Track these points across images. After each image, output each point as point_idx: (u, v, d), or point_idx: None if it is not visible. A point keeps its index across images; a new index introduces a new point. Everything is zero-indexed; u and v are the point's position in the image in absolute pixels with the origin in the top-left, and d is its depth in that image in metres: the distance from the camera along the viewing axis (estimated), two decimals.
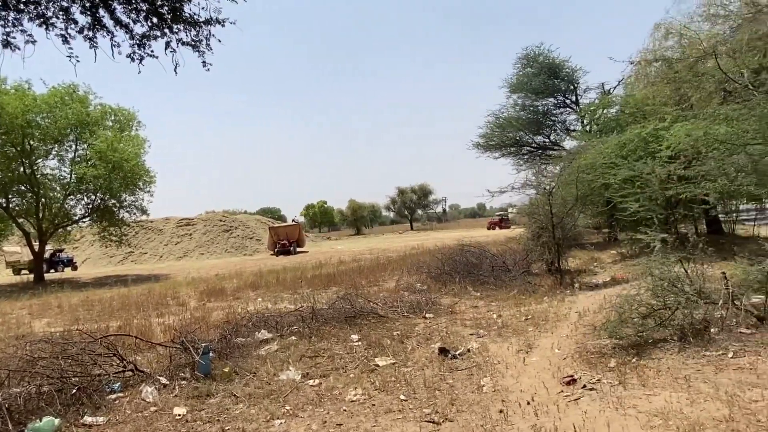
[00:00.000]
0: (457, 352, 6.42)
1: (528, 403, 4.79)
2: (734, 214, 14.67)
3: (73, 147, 24.18)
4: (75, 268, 34.26)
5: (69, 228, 26.11)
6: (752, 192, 8.77)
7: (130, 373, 5.92)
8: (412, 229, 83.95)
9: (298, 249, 37.83)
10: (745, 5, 11.35)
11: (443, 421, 4.57)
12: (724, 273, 6.24)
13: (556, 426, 4.31)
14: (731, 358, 5.03)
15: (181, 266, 30.26)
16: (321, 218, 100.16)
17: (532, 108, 24.38)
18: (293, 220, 46.75)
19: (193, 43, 4.99)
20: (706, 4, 12.33)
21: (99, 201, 24.66)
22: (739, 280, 6.02)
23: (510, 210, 61.80)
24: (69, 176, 24.08)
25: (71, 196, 24.33)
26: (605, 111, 19.05)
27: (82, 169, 23.21)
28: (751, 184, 7.55)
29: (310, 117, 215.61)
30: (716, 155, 7.77)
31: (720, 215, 14.53)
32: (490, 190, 16.05)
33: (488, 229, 56.59)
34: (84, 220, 25.41)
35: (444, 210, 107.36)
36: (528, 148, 25.20)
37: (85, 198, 24.71)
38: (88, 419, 4.96)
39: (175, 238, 43.07)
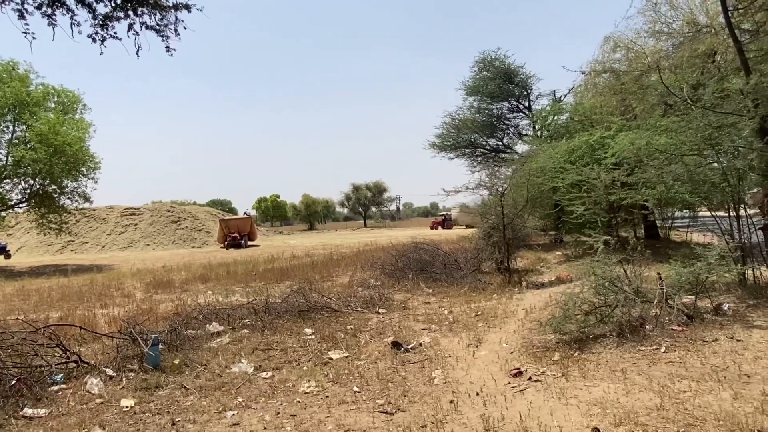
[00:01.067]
0: (409, 346, 6.56)
1: (477, 394, 4.97)
2: (670, 221, 15.59)
3: (11, 128, 22.79)
4: (8, 257, 32.34)
5: (3, 214, 24.58)
6: (687, 200, 9.38)
7: (74, 364, 5.70)
8: (365, 226, 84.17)
9: (250, 243, 37.17)
10: (687, 24, 12.10)
11: (396, 412, 4.68)
12: (659, 274, 6.67)
13: (503, 415, 4.51)
14: (664, 352, 5.40)
15: (125, 257, 29.12)
16: (273, 212, 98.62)
17: (487, 111, 24.97)
18: (245, 213, 45.86)
19: (157, 27, 4.84)
20: (652, 21, 13.05)
21: (38, 186, 23.36)
22: (672, 282, 6.45)
23: (453, 210, 64.55)
24: (5, 159, 22.69)
25: (7, 180, 22.92)
26: (556, 117, 19.78)
27: (20, 151, 21.90)
28: (686, 192, 8.09)
29: (265, 109, 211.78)
30: (656, 164, 8.27)
31: (657, 221, 15.42)
32: (445, 189, 16.31)
33: (431, 228, 58.36)
34: (20, 205, 24.01)
35: (398, 208, 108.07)
36: (482, 150, 25.80)
37: (23, 182, 23.35)
38: (28, 411, 4.75)
39: (119, 227, 41.37)
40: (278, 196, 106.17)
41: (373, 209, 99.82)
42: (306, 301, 8.74)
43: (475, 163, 25.94)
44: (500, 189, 12.28)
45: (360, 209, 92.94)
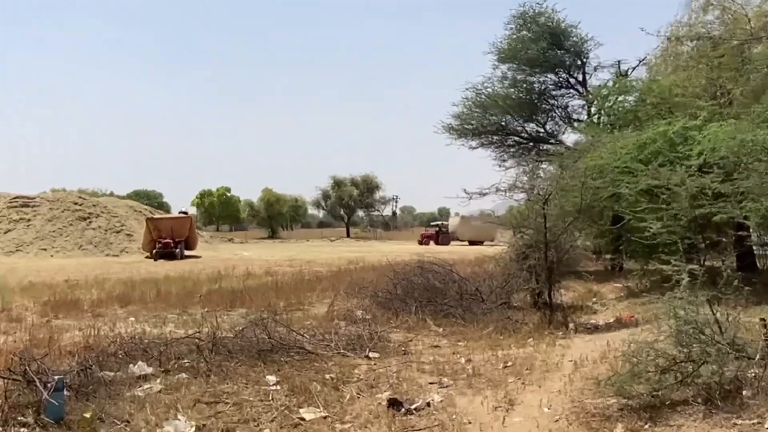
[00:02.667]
0: (412, 406, 6.53)
1: None
2: None
3: None
4: None
5: None
6: None
7: None
8: (348, 236, 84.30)
9: (187, 252, 37.06)
10: None
11: None
12: (763, 320, 6.69)
13: None
14: None
15: (12, 265, 28.91)
16: (221, 212, 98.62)
17: (525, 85, 25.11)
18: (181, 212, 45.70)
19: None
20: None
21: None
22: None
23: (452, 221, 66.20)
24: None
25: None
26: (621, 98, 19.92)
27: None
28: None
29: (214, 73, 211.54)
30: (763, 168, 8.33)
31: (754, 246, 15.50)
32: (468, 191, 16.31)
33: (420, 243, 60.63)
34: None
35: (394, 213, 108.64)
36: (516, 138, 25.94)
37: None
38: None
39: (6, 223, 41.02)
40: (228, 190, 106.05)
41: (360, 213, 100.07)
42: (268, 337, 8.70)
43: (506, 156, 26.08)
44: (543, 193, 12.33)
45: (342, 212, 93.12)
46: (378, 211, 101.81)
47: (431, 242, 60.32)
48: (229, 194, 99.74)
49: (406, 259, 17.40)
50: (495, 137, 26.10)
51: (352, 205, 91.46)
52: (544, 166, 20.98)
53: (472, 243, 60.29)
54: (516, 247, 13.13)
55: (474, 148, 26.63)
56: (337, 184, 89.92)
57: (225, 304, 13.76)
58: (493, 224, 65.59)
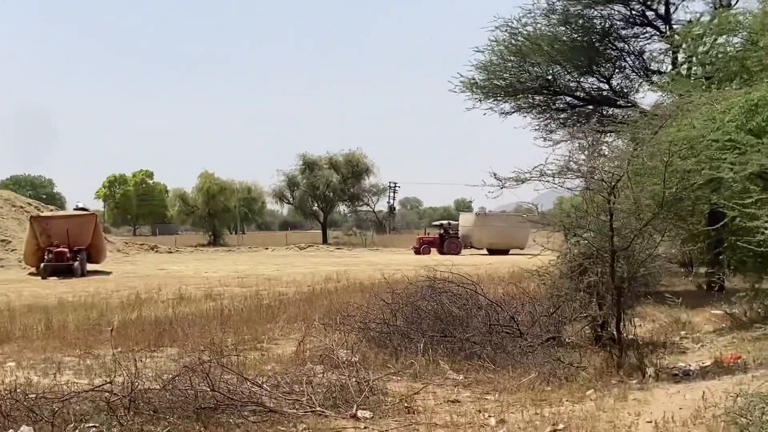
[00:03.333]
0: None
1: None
2: None
3: None
4: None
5: None
6: None
7: None
8: (326, 241, 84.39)
9: (91, 266, 36.99)
10: None
11: None
12: None
13: None
14: None
15: None
16: (140, 207, 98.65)
17: (582, 22, 25.05)
18: (79, 207, 45.21)
19: None
20: None
21: None
22: None
23: (464, 219, 66.38)
24: None
25: None
26: (721, 40, 19.90)
27: None
28: None
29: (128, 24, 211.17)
30: None
31: None
32: (499, 176, 16.08)
33: (417, 252, 61.52)
34: None
35: (392, 208, 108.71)
36: (568, 98, 25.94)
37: None
38: None
39: None
40: (149, 176, 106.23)
41: (343, 209, 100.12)
42: (211, 388, 8.71)
43: (553, 125, 26.06)
44: (609, 178, 12.32)
45: (316, 207, 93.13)
46: (368, 205, 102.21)
47: (432, 250, 60.84)
48: (151, 181, 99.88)
49: (410, 274, 17.35)
50: (538, 98, 26.09)
51: (330, 196, 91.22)
52: (609, 139, 20.98)
53: (492, 251, 61.09)
54: (569, 257, 13.10)
55: (507, 113, 26.64)
56: (309, 166, 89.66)
57: (147, 341, 13.74)
58: (523, 225, 65.99)
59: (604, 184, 12.30)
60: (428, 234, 68.08)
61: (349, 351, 12.11)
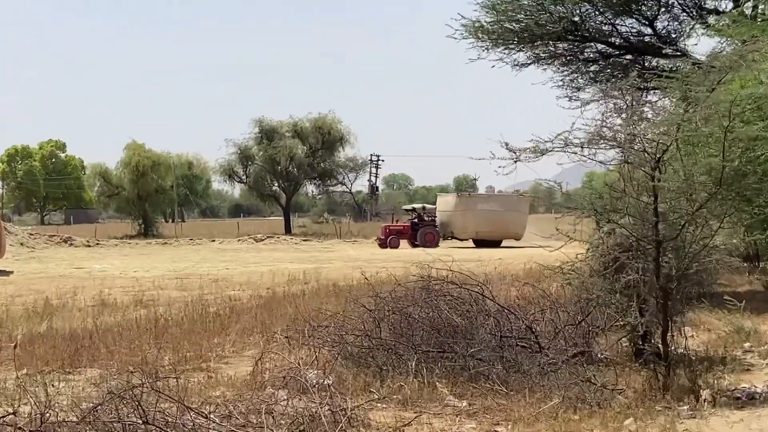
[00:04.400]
0: None
1: None
2: None
3: None
4: None
5: None
6: None
7: None
8: (290, 231, 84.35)
9: None
10: None
11: None
12: None
13: None
14: None
15: None
16: (47, 188, 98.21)
17: None
18: None
19: None
20: None
21: None
22: None
23: (443, 202, 66.55)
24: None
25: None
26: None
27: None
28: None
29: None
30: None
31: None
32: (513, 146, 16.07)
33: (381, 244, 62.49)
34: None
35: (374, 188, 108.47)
36: (600, 46, 25.96)
37: None
38: None
39: None
40: (61, 147, 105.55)
41: (311, 189, 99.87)
42: (144, 421, 8.70)
43: (581, 80, 26.08)
44: (653, 148, 12.36)
45: (276, 188, 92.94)
46: (344, 185, 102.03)
47: (398, 242, 61.64)
48: (63, 155, 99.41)
49: (398, 273, 17.37)
50: (562, 45, 26.12)
51: (294, 173, 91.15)
52: (652, 98, 21.03)
53: (480, 243, 62.10)
54: (601, 249, 13.15)
55: (522, 65, 26.66)
56: (266, 134, 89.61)
57: (61, 360, 13.67)
58: (519, 209, 66.85)
59: (646, 155, 12.33)
60: (397, 222, 68.11)
61: (320, 371, 12.07)
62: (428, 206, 68.01)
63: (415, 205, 69.47)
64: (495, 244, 59.91)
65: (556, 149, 13.89)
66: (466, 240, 63.50)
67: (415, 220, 63.85)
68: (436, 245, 58.70)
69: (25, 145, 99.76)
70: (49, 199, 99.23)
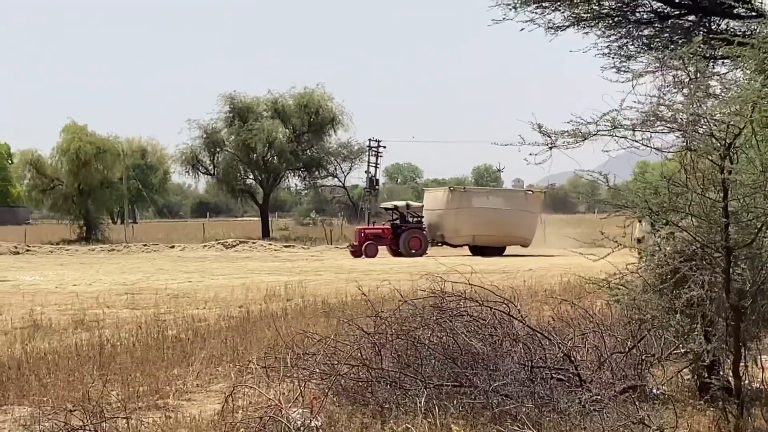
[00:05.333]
0: None
1: None
2: None
3: None
4: None
5: None
6: None
7: None
8: (269, 234, 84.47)
9: None
10: None
11: None
12: None
13: None
14: None
15: None
16: None
17: None
18: None
19: None
20: None
21: None
22: None
23: (432, 198, 66.14)
24: None
25: None
26: None
27: None
28: None
29: None
30: None
31: None
32: (547, 129, 16.06)
33: (354, 252, 62.46)
34: None
35: (373, 182, 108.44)
36: (656, 4, 26.02)
37: None
38: None
39: None
40: None
41: (295, 183, 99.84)
42: None
43: (631, 46, 26.10)
44: (722, 132, 12.37)
45: (251, 179, 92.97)
46: (335, 177, 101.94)
47: (375, 249, 61.75)
48: None
49: (404, 287, 17.36)
50: (607, 3, 26.18)
51: (274, 163, 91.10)
52: (721, 69, 21.02)
53: (477, 249, 62.29)
54: (657, 258, 13.14)
55: (558, 27, 26.68)
56: (239, 114, 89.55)
57: None
58: (527, 211, 66.24)
59: (714, 141, 12.34)
60: (374, 224, 67.88)
61: (306, 411, 12.08)
62: (413, 204, 67.40)
63: (397, 203, 68.67)
64: (497, 251, 60.01)
65: (601, 133, 13.89)
66: (460, 246, 63.54)
67: (396, 221, 63.68)
68: (422, 253, 59.27)
69: None
70: None
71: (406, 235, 61.53)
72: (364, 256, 58.63)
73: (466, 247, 63.26)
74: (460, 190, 66.73)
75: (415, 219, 63.53)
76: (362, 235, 63.24)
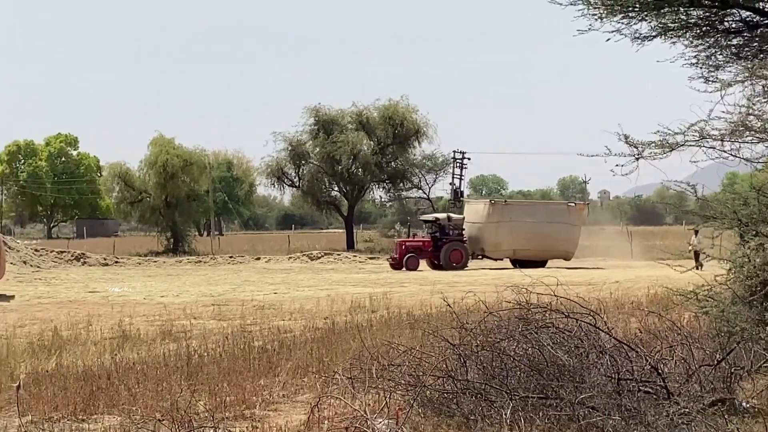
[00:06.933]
0: None
1: None
2: None
3: None
4: None
5: None
6: None
7: None
8: (353, 246, 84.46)
9: None
10: None
11: None
12: None
13: None
14: None
15: None
16: (56, 193, 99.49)
17: None
18: None
19: None
20: None
21: None
22: None
23: (478, 209, 65.32)
24: None
25: None
26: None
27: None
28: None
29: None
30: None
31: None
32: (634, 140, 15.98)
33: (394, 265, 61.85)
34: None
35: (457, 194, 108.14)
36: (745, 12, 25.73)
37: None
38: None
39: None
40: (72, 143, 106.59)
41: (380, 195, 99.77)
42: None
43: (720, 56, 25.82)
44: None
45: (336, 191, 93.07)
46: (420, 189, 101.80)
47: (417, 261, 61.11)
48: (74, 152, 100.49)
49: (489, 298, 17.29)
50: (696, 12, 25.90)
51: (359, 175, 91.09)
52: None
53: (519, 263, 61.38)
54: (747, 270, 13.01)
55: (645, 37, 26.38)
56: (324, 126, 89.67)
57: (73, 405, 13.69)
58: (570, 224, 65.64)
59: None
60: (414, 236, 67.37)
61: (391, 421, 12.08)
62: (454, 216, 66.26)
63: (438, 215, 67.55)
64: (540, 263, 59.38)
65: (689, 143, 13.80)
66: (500, 259, 63.44)
67: (436, 234, 62.88)
68: (463, 266, 58.88)
69: (29, 140, 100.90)
70: (58, 207, 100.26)
71: (447, 247, 61.07)
72: (404, 269, 58.36)
73: (506, 260, 63.27)
74: (500, 202, 66.62)
75: (456, 231, 62.85)
76: (403, 247, 62.57)
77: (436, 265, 59.68)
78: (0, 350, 19.83)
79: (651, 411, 11.93)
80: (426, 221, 68.13)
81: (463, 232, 62.75)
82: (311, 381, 15.48)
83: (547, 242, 60.69)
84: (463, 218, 64.56)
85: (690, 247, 44.37)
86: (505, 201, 65.92)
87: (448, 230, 62.69)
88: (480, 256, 63.11)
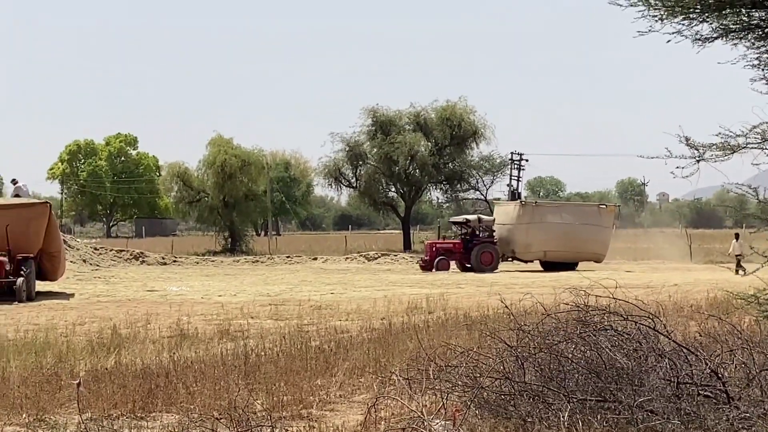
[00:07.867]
0: None
1: None
2: None
3: None
4: None
5: None
6: None
7: None
8: (409, 248, 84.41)
9: (42, 284, 37.48)
10: None
11: None
12: None
13: None
14: None
15: None
16: (115, 192, 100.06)
17: None
18: (15, 184, 46.23)
19: None
20: None
21: None
22: None
23: (508, 209, 64.76)
24: None
25: None
26: None
27: None
28: None
29: None
30: None
31: None
32: (694, 142, 15.93)
33: (425, 267, 61.21)
34: None
35: (515, 195, 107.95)
36: None
37: None
38: None
39: None
40: (132, 143, 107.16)
41: (437, 196, 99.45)
42: None
43: None
44: None
45: (394, 192, 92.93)
46: (477, 190, 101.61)
47: (452, 263, 61.13)
48: (134, 152, 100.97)
49: (546, 300, 17.20)
50: (758, 13, 25.63)
51: (416, 176, 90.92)
52: None
53: (549, 265, 61.42)
54: None
55: (706, 39, 26.12)
56: (381, 127, 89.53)
57: (131, 403, 13.78)
58: (601, 225, 65.00)
59: None
60: (444, 238, 67.73)
61: (448, 422, 12.04)
62: (484, 217, 65.88)
63: (469, 216, 66.86)
64: (570, 266, 59.18)
65: (751, 145, 13.66)
66: (531, 261, 63.00)
67: (466, 235, 62.62)
68: (494, 268, 58.65)
69: (89, 140, 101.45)
70: (117, 207, 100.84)
71: (477, 249, 60.59)
72: (435, 271, 58.07)
73: (536, 262, 63.14)
74: (531, 204, 66.28)
75: (486, 233, 62.47)
76: (433, 249, 62.33)
77: (465, 268, 59.55)
78: (60, 348, 19.99)
79: (710, 415, 11.82)
80: (456, 223, 67.60)
81: (494, 233, 62.41)
82: (368, 381, 15.47)
83: (578, 244, 60.46)
84: (494, 220, 64.37)
85: (735, 253, 44.30)
86: (536, 202, 65.27)
87: (479, 232, 62.47)
88: (510, 258, 62.81)
